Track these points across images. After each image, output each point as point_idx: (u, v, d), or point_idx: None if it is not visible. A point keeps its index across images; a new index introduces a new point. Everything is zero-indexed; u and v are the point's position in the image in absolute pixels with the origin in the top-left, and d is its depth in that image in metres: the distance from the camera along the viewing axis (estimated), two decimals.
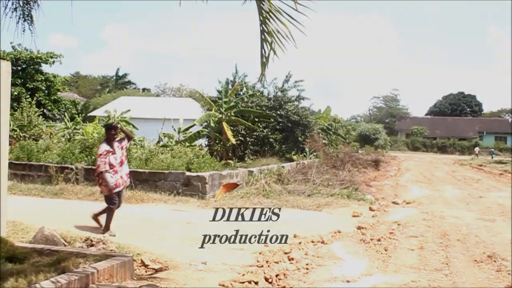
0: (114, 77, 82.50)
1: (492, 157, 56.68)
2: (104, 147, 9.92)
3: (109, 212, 10.00)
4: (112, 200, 9.99)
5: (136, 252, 8.10)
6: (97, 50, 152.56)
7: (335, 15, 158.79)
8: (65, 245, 7.92)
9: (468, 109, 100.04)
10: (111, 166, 9.84)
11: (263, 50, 5.54)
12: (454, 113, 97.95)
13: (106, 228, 9.86)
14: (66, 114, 32.17)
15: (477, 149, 64.80)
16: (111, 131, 10.11)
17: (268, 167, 19.51)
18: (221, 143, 22.45)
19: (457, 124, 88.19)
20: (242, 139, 23.73)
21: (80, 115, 35.38)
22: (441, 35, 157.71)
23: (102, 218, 10.11)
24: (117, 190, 9.99)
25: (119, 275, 6.44)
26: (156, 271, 7.40)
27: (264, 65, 5.58)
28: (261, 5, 5.39)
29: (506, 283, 7.48)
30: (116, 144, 10.07)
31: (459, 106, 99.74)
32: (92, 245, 8.34)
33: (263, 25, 5.46)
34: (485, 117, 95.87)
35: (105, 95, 65.54)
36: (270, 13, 5.35)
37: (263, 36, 5.50)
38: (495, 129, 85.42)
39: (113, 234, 9.59)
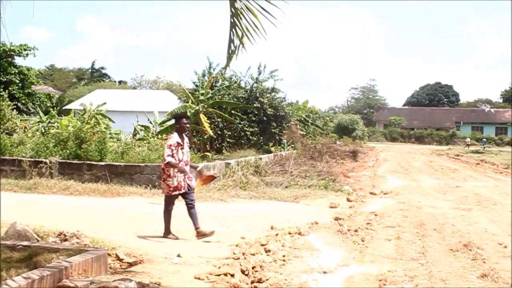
0: (90, 70, 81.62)
1: (484, 147, 56.92)
2: (176, 138, 8.90)
3: (165, 213, 9.21)
4: (166, 209, 9.18)
5: (111, 246, 7.99)
6: (72, 42, 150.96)
7: (314, 6, 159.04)
8: (37, 240, 7.77)
9: (445, 100, 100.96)
10: (178, 162, 8.93)
11: (232, 44, 5.46)
12: (431, 103, 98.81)
13: (166, 231, 9.18)
14: (40, 107, 31.71)
15: (468, 139, 64.48)
16: (182, 120, 9.04)
17: (246, 159, 19.43)
18: (198, 135, 22.32)
19: (435, 114, 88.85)
20: (220, 131, 23.62)
21: (55, 108, 34.98)
22: (418, 26, 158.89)
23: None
24: (176, 193, 9.07)
25: (93, 269, 6.34)
26: (131, 264, 7.30)
27: (230, 57, 5.50)
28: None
29: (481, 271, 7.52)
30: (186, 139, 9.17)
31: (436, 97, 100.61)
32: (65, 240, 8.22)
33: (234, 18, 5.37)
34: (462, 107, 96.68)
35: (80, 88, 64.89)
36: (242, 8, 5.26)
37: (233, 30, 5.42)
38: (472, 119, 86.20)
39: (175, 237, 9.10)
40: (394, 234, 10.26)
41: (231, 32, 5.40)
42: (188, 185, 9.12)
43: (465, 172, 27.15)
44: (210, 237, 9.03)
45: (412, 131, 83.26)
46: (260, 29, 5.24)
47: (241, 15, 5.28)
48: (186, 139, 9.16)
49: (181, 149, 8.95)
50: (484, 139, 64.90)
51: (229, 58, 5.50)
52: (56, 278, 5.63)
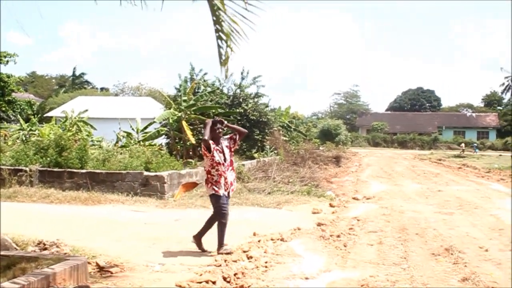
0: (71, 77, 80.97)
1: (475, 152, 57.13)
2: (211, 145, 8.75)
3: (219, 226, 8.79)
4: (221, 210, 8.75)
5: (91, 255, 7.95)
6: (54, 48, 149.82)
7: (296, 10, 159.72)
8: (16, 249, 7.68)
9: (427, 104, 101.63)
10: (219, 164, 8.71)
11: (220, 49, 5.47)
12: (413, 108, 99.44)
13: (220, 244, 8.72)
14: (21, 115, 31.42)
15: (462, 144, 63.34)
16: (215, 126, 8.87)
17: None
18: (181, 142, 22.23)
19: (417, 119, 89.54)
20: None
21: (36, 116, 34.68)
22: (400, 31, 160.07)
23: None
24: (214, 191, 8.72)
25: (73, 278, 6.27)
26: (112, 273, 7.24)
27: (224, 63, 5.49)
28: (213, 4, 5.30)
29: (463, 275, 7.54)
30: (224, 143, 8.91)
31: (418, 101, 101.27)
32: (45, 249, 8.15)
33: (217, 25, 5.38)
34: (444, 112, 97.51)
35: (62, 95, 64.36)
36: (222, 12, 5.27)
37: (218, 35, 5.43)
38: (454, 124, 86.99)
39: (229, 251, 8.63)
40: (376, 239, 10.26)
41: (217, 38, 5.40)
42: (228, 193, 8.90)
43: (447, 177, 27.29)
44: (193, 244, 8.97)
45: (395, 136, 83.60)
46: (241, 32, 5.26)
47: (222, 21, 5.29)
48: (224, 143, 8.92)
49: (219, 152, 8.75)
50: (475, 144, 65.20)
51: (224, 64, 5.47)
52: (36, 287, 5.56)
